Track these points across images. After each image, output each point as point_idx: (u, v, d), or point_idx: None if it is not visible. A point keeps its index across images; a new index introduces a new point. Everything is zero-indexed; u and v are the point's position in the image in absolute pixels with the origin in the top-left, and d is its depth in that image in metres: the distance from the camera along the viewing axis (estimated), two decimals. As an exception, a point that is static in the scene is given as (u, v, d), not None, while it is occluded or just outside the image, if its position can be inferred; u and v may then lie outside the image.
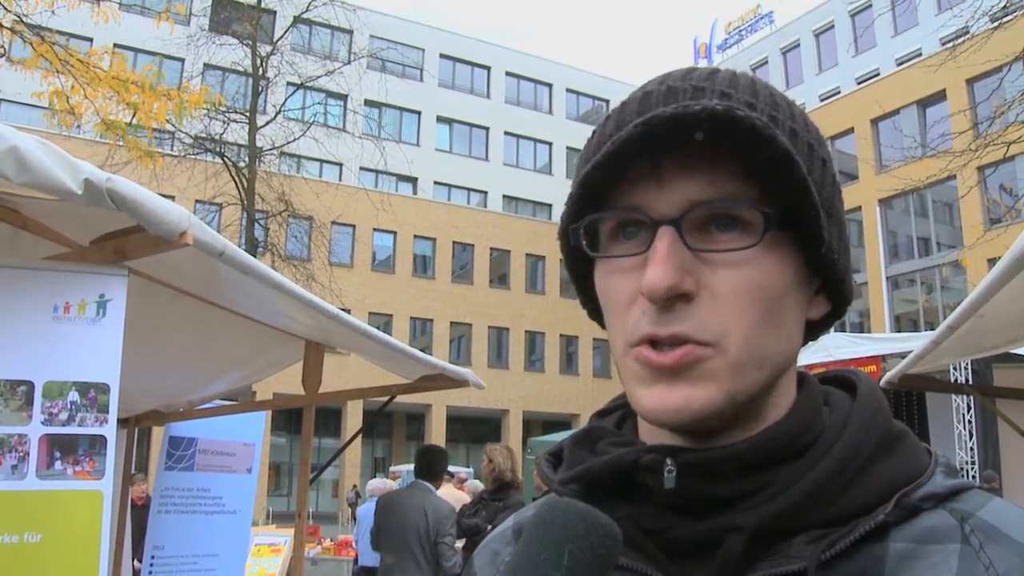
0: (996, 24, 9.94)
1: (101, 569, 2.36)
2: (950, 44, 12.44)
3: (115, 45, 15.36)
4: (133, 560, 6.29)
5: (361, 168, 27.57)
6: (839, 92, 34.67)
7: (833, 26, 37.53)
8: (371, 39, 24.04)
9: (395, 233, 34.07)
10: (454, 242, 35.84)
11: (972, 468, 11.68)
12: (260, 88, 17.35)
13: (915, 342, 5.20)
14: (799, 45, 39.76)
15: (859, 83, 33.45)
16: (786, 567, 0.66)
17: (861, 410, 0.73)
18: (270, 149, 17.46)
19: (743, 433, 0.71)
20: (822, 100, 35.32)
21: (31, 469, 2.34)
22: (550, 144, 42.21)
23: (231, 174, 16.68)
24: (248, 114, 17.16)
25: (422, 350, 4.88)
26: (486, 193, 40.41)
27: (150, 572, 5.18)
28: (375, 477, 18.07)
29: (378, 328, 4.35)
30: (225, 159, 16.75)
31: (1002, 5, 9.92)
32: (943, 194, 25.91)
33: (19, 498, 2.32)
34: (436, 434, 32.51)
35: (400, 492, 6.55)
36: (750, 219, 0.68)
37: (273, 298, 3.32)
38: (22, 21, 8.66)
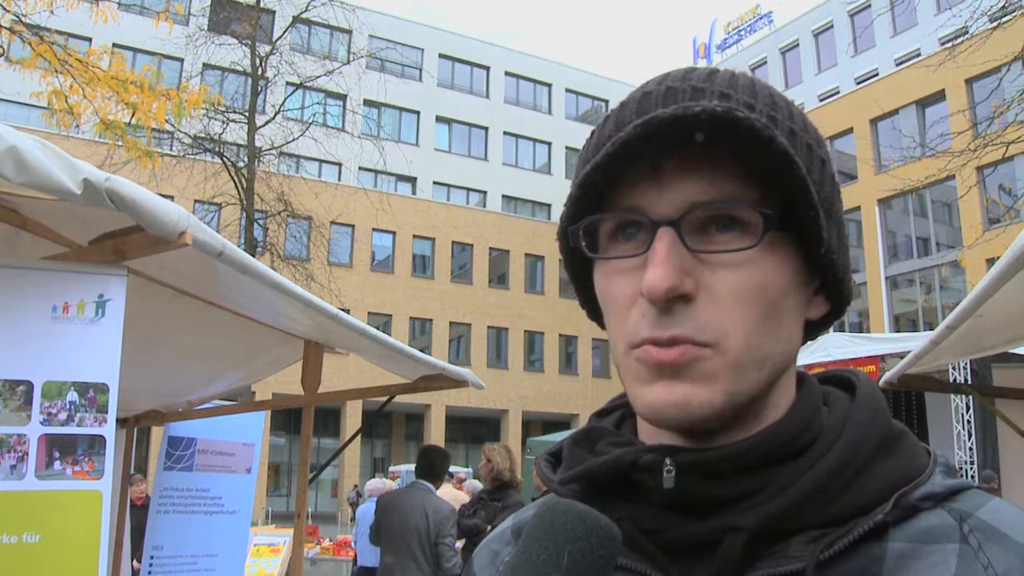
0: (995, 24, 9.94)
1: (100, 569, 2.36)
2: (949, 44, 12.46)
3: (114, 45, 15.40)
4: (132, 560, 6.29)
5: (360, 168, 27.61)
6: (838, 92, 34.68)
7: (832, 26, 37.53)
8: (370, 39, 24.01)
9: (394, 233, 34.06)
10: (453, 242, 35.83)
11: (971, 468, 11.69)
12: (259, 88, 17.34)
13: (914, 342, 5.20)
14: (798, 45, 39.76)
15: (858, 83, 33.47)
16: (785, 567, 0.66)
17: (860, 410, 0.73)
18: (269, 149, 17.45)
19: (742, 433, 0.71)
20: (821, 100, 35.33)
21: (30, 469, 2.33)
22: (549, 144, 42.19)
23: (230, 174, 16.67)
24: (247, 114, 17.16)
25: (421, 350, 4.88)
26: (485, 193, 40.40)
27: (149, 572, 5.18)
28: (374, 477, 18.07)
29: (377, 328, 4.35)
30: (224, 159, 16.75)
31: (1001, 5, 9.91)
32: (942, 194, 25.93)
33: (18, 498, 2.32)
34: (435, 434, 32.52)
35: (400, 492, 6.54)
36: (749, 220, 0.68)
37: (272, 298, 3.32)
38: (21, 21, 8.66)
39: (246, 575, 6.74)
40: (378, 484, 11.05)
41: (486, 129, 40.92)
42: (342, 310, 3.88)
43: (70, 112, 9.13)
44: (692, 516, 0.70)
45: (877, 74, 32.73)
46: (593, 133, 0.76)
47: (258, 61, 17.18)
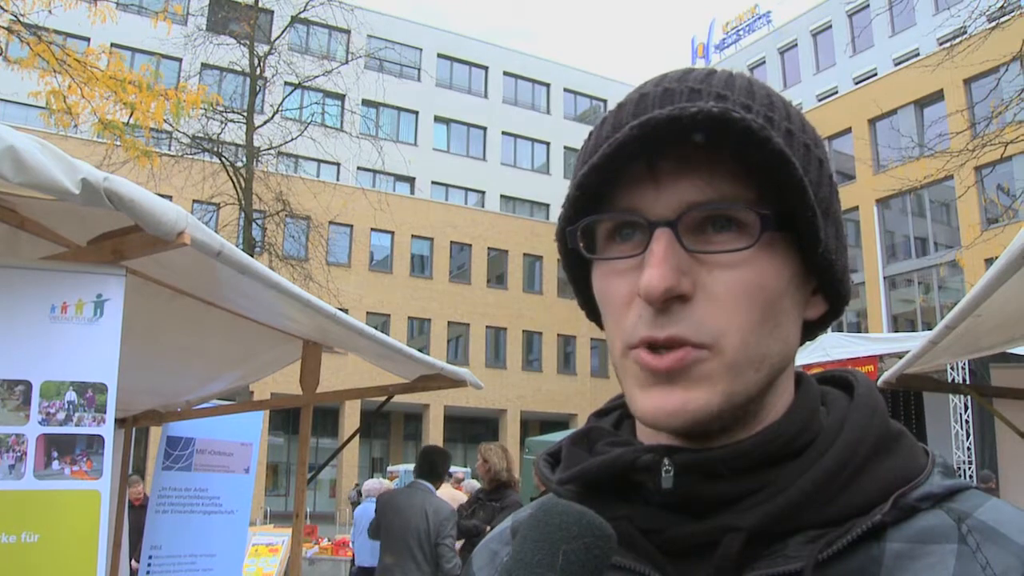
0: (993, 24, 9.95)
1: (99, 569, 2.36)
2: (947, 44, 12.47)
3: (112, 45, 15.39)
4: (131, 560, 6.29)
5: (359, 168, 27.62)
6: (836, 92, 34.67)
7: (831, 26, 37.53)
8: (369, 39, 23.97)
9: (393, 233, 34.05)
10: (452, 242, 35.82)
11: (969, 468, 11.69)
12: (257, 88, 17.32)
13: (912, 342, 5.20)
14: (796, 45, 39.76)
15: (856, 83, 33.47)
16: (783, 567, 0.66)
17: (858, 410, 0.73)
18: (268, 149, 17.45)
19: (741, 433, 0.71)
20: (820, 100, 35.33)
21: (29, 469, 2.33)
22: (548, 144, 42.18)
23: (228, 174, 16.66)
24: (245, 114, 17.15)
25: (420, 350, 4.88)
26: (484, 193, 40.39)
27: (148, 572, 5.18)
28: (372, 477, 18.07)
29: (376, 328, 4.35)
30: (222, 159, 16.73)
31: (999, 5, 9.92)
32: (940, 194, 25.95)
33: (17, 498, 2.32)
34: (434, 434, 32.51)
35: (401, 492, 6.52)
36: (746, 220, 0.68)
37: (271, 298, 3.32)
38: (19, 20, 8.65)
39: (244, 575, 6.74)
40: (376, 484, 11.06)
41: (485, 129, 40.91)
42: (340, 310, 3.89)
43: (68, 112, 9.12)
44: (690, 516, 0.70)
45: (875, 74, 32.74)
46: (591, 134, 0.77)
47: (256, 61, 17.17)
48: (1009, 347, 4.13)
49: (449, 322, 34.95)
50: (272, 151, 17.58)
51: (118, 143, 10.13)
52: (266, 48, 17.60)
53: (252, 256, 3.92)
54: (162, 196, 2.40)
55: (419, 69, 35.84)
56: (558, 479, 0.77)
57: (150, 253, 2.53)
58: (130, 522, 6.03)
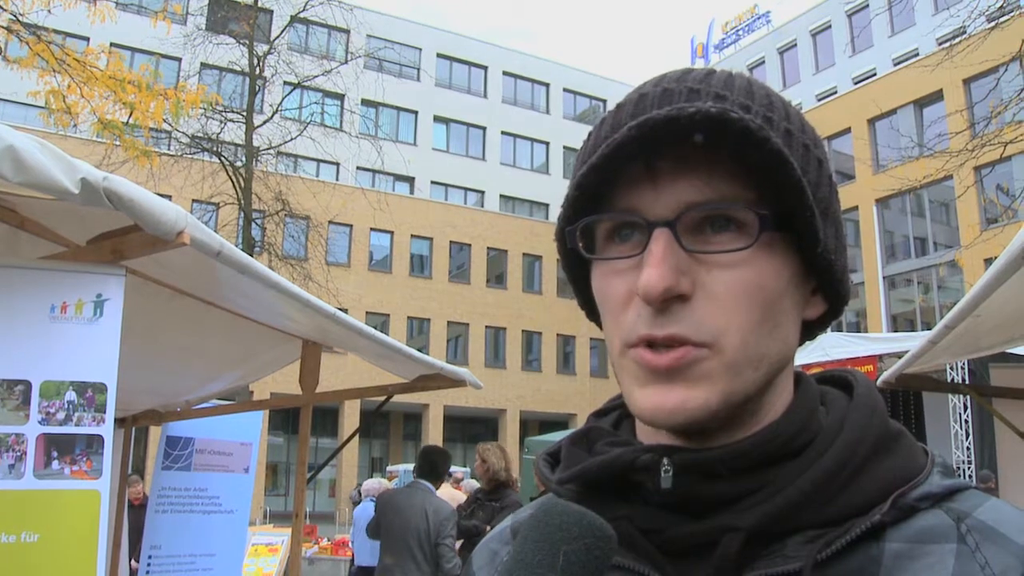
0: (993, 24, 9.95)
1: (98, 568, 2.36)
2: (947, 44, 12.48)
3: (112, 44, 15.35)
4: (130, 560, 6.29)
5: (358, 168, 27.60)
6: (836, 92, 34.67)
7: (830, 26, 37.54)
8: (368, 38, 23.95)
9: (392, 233, 34.04)
10: (451, 242, 35.81)
11: (968, 468, 11.69)
12: (257, 87, 17.32)
13: (912, 342, 5.20)
14: (796, 45, 39.77)
15: (856, 83, 33.48)
16: (782, 567, 0.66)
17: (858, 410, 0.73)
18: (267, 149, 17.44)
19: (740, 433, 0.71)
20: (819, 100, 35.33)
21: (28, 468, 2.33)
22: (547, 144, 42.18)
23: (228, 174, 16.65)
24: (245, 113, 17.15)
25: (419, 350, 4.88)
26: (483, 193, 40.38)
27: (147, 571, 5.18)
28: (372, 477, 18.06)
29: (375, 328, 4.35)
30: (222, 159, 16.72)
31: (999, 5, 9.93)
32: (940, 194, 25.96)
33: (16, 497, 2.32)
34: (433, 434, 32.50)
35: (401, 492, 6.52)
36: (745, 220, 0.68)
37: (270, 298, 3.32)
38: (18, 20, 8.65)
39: (244, 575, 6.73)
40: (375, 484, 11.06)
41: (484, 129, 40.89)
42: (340, 310, 3.89)
43: (68, 111, 9.13)
44: (690, 516, 0.70)
45: (875, 74, 32.74)
46: (590, 135, 0.77)
47: (256, 60, 17.16)
48: (1008, 347, 4.13)
49: (448, 322, 34.95)
50: (271, 151, 17.57)
51: (117, 143, 10.13)
52: (265, 48, 17.60)
53: (251, 256, 3.92)
54: (161, 196, 2.41)
55: (418, 69, 35.83)
56: (557, 479, 0.78)
57: (150, 253, 2.53)
58: (130, 522, 6.03)
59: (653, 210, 0.69)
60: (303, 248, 21.89)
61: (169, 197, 2.60)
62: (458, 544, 6.34)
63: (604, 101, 42.93)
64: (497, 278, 36.76)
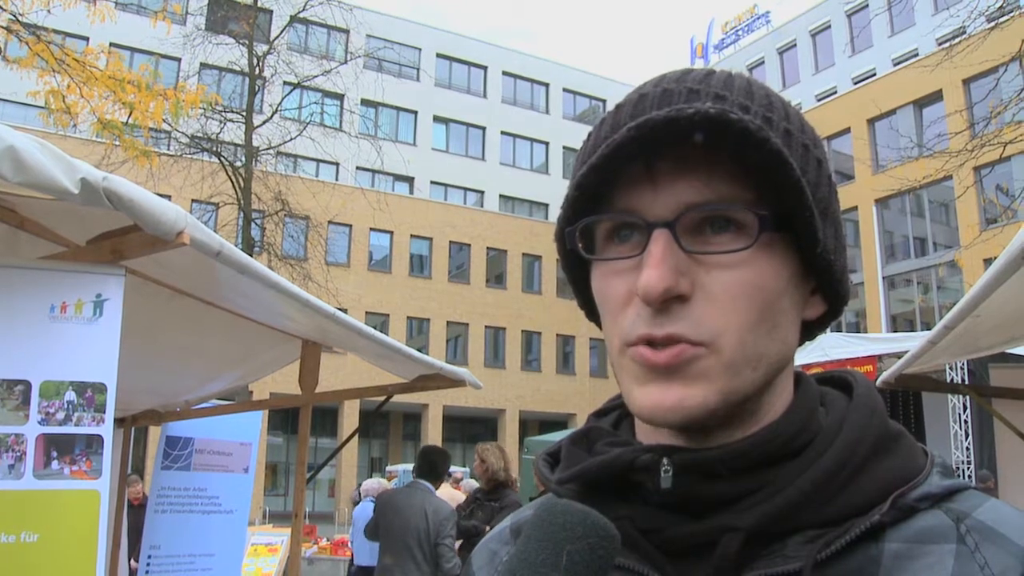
0: (992, 24, 9.96)
1: (98, 568, 2.36)
2: (947, 44, 12.48)
3: (111, 44, 15.35)
4: (130, 559, 6.29)
5: (358, 168, 27.60)
6: (835, 92, 34.67)
7: (829, 26, 37.54)
8: (368, 38, 23.96)
9: (392, 233, 34.03)
10: (451, 242, 35.81)
11: (968, 468, 11.69)
12: (256, 88, 17.30)
13: (911, 342, 5.20)
14: (795, 45, 39.76)
15: (856, 83, 33.48)
16: (782, 567, 0.66)
17: (857, 411, 0.73)
18: (267, 149, 17.42)
19: (740, 433, 0.71)
20: (819, 100, 35.33)
21: (28, 469, 2.33)
22: (547, 144, 42.17)
23: (227, 174, 16.64)
24: (244, 113, 17.13)
25: (419, 350, 4.88)
26: (483, 193, 40.37)
27: (147, 571, 5.18)
28: (371, 477, 18.06)
29: (375, 328, 4.35)
30: (221, 159, 16.71)
31: (998, 5, 9.93)
32: (939, 194, 25.96)
33: (16, 497, 2.32)
34: (433, 434, 32.50)
35: (400, 492, 6.51)
36: (745, 221, 0.68)
37: (270, 298, 3.32)
38: (18, 20, 8.65)
39: (243, 575, 6.73)
40: (374, 484, 11.05)
41: (484, 129, 40.88)
42: (339, 310, 3.89)
43: (67, 111, 9.13)
44: (690, 516, 0.71)
45: (875, 74, 32.74)
46: (590, 135, 0.77)
47: (255, 60, 17.15)
48: (1008, 347, 4.13)
49: (448, 322, 34.94)
50: (271, 151, 17.56)
51: (117, 143, 10.13)
52: (265, 48, 17.58)
53: (251, 256, 3.92)
54: (161, 196, 2.41)
55: (418, 69, 35.82)
56: (557, 479, 0.78)
57: (149, 253, 2.53)
58: (129, 522, 6.03)
59: (652, 211, 0.69)
60: (303, 248, 21.89)
61: (169, 197, 2.60)
62: (458, 544, 6.34)
63: (604, 101, 42.91)
64: (497, 278, 36.76)
